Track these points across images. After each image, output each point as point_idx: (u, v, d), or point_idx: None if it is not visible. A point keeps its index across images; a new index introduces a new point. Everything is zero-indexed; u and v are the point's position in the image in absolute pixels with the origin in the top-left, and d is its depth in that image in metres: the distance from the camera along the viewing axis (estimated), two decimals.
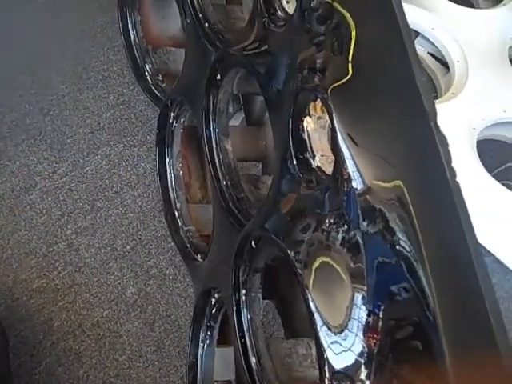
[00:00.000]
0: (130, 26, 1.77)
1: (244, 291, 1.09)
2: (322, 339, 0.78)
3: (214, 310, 1.39)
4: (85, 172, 1.67)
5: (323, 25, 0.88)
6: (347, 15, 0.88)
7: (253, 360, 1.08)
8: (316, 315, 0.83)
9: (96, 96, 1.78)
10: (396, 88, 0.83)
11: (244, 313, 1.09)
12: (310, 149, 0.93)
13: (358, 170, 0.79)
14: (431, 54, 2.10)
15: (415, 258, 0.71)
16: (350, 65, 0.86)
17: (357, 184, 0.79)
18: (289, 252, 0.89)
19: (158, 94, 1.75)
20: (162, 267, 1.59)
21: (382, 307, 0.77)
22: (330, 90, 0.84)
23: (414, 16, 2.03)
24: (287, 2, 1.07)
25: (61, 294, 1.51)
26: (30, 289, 1.50)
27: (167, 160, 1.61)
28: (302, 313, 1.23)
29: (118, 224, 1.62)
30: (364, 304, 0.78)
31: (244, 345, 1.10)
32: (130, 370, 1.46)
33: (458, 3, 2.12)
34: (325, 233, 0.85)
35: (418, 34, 2.08)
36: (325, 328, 0.79)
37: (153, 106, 1.77)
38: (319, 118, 0.91)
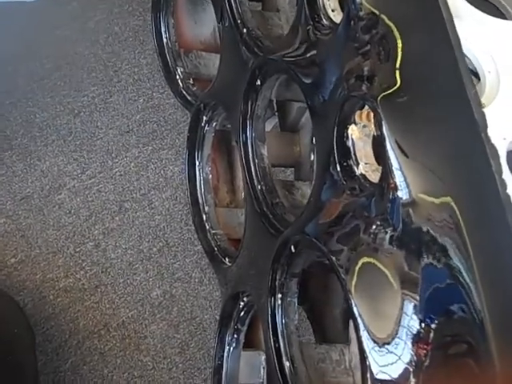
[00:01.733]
0: (162, 29, 1.78)
1: (280, 295, 1.09)
2: (365, 346, 0.78)
3: (241, 314, 1.39)
4: (113, 173, 1.68)
5: (369, 34, 0.89)
6: (393, 27, 0.88)
7: (286, 364, 1.08)
8: (360, 321, 0.83)
9: (126, 98, 1.80)
10: (446, 100, 0.83)
11: (279, 317, 1.10)
12: (354, 156, 0.93)
13: (405, 180, 0.79)
14: None
15: (468, 278, 0.70)
16: (397, 73, 0.86)
17: (403, 194, 0.79)
18: (331, 256, 0.88)
19: (189, 98, 1.75)
20: (187, 270, 1.60)
21: (436, 320, 0.76)
22: (379, 98, 0.84)
23: None
24: (332, 11, 1.07)
25: (87, 293, 1.52)
26: (56, 288, 1.51)
27: (197, 163, 1.62)
28: (334, 318, 1.23)
29: (145, 226, 1.63)
30: (415, 313, 0.77)
31: (278, 349, 1.10)
32: (153, 371, 1.47)
33: (487, 13, 2.11)
34: (371, 235, 0.85)
35: None
36: (368, 334, 0.79)
37: (182, 110, 1.78)
38: (364, 126, 0.91)
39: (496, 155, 0.73)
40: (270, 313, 1.09)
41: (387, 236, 0.80)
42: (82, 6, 1.90)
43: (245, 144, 1.29)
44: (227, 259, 1.50)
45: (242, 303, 1.36)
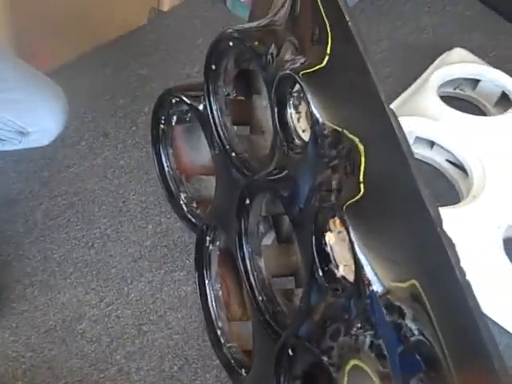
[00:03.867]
0: (163, 158, 1.91)
1: None
2: None
3: None
4: (130, 299, 1.77)
5: (335, 149, 1.00)
6: (356, 140, 1.00)
7: None
8: None
9: (136, 227, 1.91)
10: (404, 201, 0.94)
11: None
12: (333, 261, 1.03)
13: (376, 275, 0.88)
14: (449, 161, 2.22)
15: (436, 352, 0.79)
16: (361, 185, 0.98)
17: (377, 287, 0.88)
18: (322, 357, 0.97)
19: (194, 221, 1.86)
20: None
21: None
22: (344, 206, 0.95)
23: (425, 127, 2.16)
24: (303, 131, 1.20)
25: None
26: None
27: (206, 281, 1.71)
28: None
29: (164, 346, 1.70)
30: None
31: None
32: None
33: (468, 111, 2.25)
34: (353, 337, 0.94)
35: (433, 143, 2.21)
36: None
37: (189, 232, 1.88)
38: (339, 232, 1.02)
39: (452, 246, 0.82)
40: None
41: (369, 334, 0.89)
42: (89, 145, 2.06)
43: (243, 259, 1.39)
44: (243, 370, 1.57)
45: None
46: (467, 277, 0.85)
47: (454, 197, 2.09)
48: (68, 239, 1.86)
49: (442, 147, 2.19)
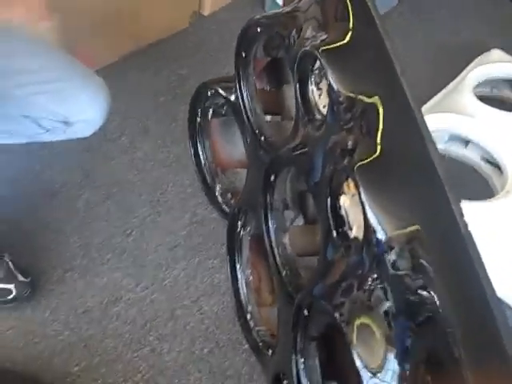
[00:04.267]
0: (200, 151, 1.98)
1: (302, 360, 1.20)
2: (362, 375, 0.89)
3: None
4: (164, 284, 1.83)
5: (350, 112, 1.05)
6: (376, 100, 1.04)
7: None
8: (360, 370, 0.94)
9: (173, 217, 1.98)
10: (414, 163, 0.98)
11: (303, 379, 1.19)
12: (347, 223, 1.07)
13: (381, 225, 0.92)
14: (484, 159, 2.23)
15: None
16: (378, 146, 1.02)
17: (381, 235, 0.92)
18: (334, 313, 1.00)
19: (228, 211, 1.92)
20: (237, 367, 1.70)
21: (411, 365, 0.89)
22: (356, 166, 0.99)
23: (460, 124, 2.18)
24: (324, 107, 1.24)
25: None
26: None
27: (237, 267, 1.76)
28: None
29: (196, 329, 1.76)
30: (395, 358, 0.90)
31: None
32: None
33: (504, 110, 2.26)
34: (366, 292, 0.97)
35: (468, 141, 2.22)
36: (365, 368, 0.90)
37: (224, 223, 1.93)
38: (353, 195, 1.06)
39: (456, 201, 0.86)
40: (295, 374, 1.20)
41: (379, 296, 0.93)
42: (130, 140, 2.14)
43: (268, 234, 1.43)
44: (270, 351, 1.61)
45: None
46: (469, 228, 0.88)
47: (488, 193, 2.10)
48: (107, 227, 1.93)
49: (477, 144, 2.20)
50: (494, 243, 1.84)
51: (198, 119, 1.95)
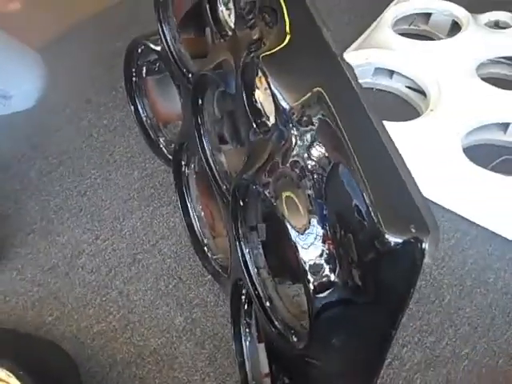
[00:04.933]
0: (140, 109, 2.07)
1: (247, 250, 1.30)
2: (293, 237, 1.00)
3: (246, 307, 1.57)
4: (123, 234, 1.93)
5: (252, 12, 1.17)
6: None
7: (267, 304, 1.28)
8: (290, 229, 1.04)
9: (123, 173, 2.08)
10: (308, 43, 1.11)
11: (251, 264, 1.30)
12: (264, 114, 1.19)
13: (284, 99, 1.04)
14: (408, 87, 2.37)
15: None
16: (287, 35, 1.13)
17: (285, 104, 1.04)
18: (264, 192, 1.11)
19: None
20: (203, 297, 1.80)
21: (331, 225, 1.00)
22: (262, 56, 1.11)
23: (383, 57, 2.32)
24: (229, 16, 1.36)
25: (119, 332, 1.72)
26: (91, 333, 1.71)
27: (189, 205, 1.86)
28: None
29: (158, 269, 1.85)
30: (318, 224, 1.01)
31: (258, 295, 1.29)
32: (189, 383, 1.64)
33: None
34: (288, 168, 1.08)
35: (392, 72, 2.37)
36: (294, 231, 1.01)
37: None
38: (265, 88, 1.17)
39: (351, 68, 0.98)
40: (242, 261, 1.30)
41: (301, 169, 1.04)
42: (74, 111, 2.24)
43: (204, 153, 1.54)
44: (227, 274, 1.72)
45: (243, 296, 1.55)
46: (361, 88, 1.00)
47: (415, 116, 2.24)
48: (62, 190, 2.03)
49: (400, 74, 2.34)
50: (421, 158, 1.98)
51: (134, 79, 2.05)
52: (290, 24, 1.13)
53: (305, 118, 1.02)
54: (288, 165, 1.07)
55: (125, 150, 2.15)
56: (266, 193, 1.11)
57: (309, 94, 1.02)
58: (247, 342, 1.59)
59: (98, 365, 1.66)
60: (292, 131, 1.04)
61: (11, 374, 1.43)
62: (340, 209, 0.98)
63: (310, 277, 1.00)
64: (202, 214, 1.86)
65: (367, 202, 0.87)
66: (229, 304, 1.76)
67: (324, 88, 1.00)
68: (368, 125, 0.95)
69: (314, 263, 1.01)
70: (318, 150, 1.01)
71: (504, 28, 2.47)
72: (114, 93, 2.30)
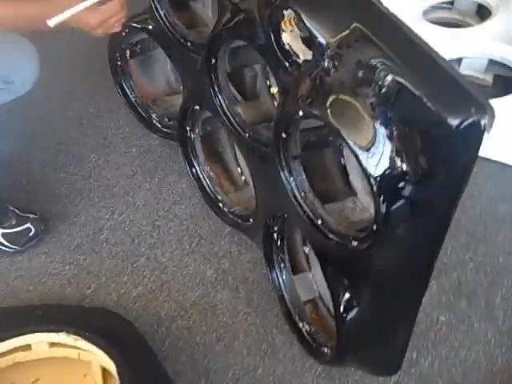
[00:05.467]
0: (127, 91, 2.18)
1: (292, 178, 1.43)
2: (359, 154, 1.13)
3: (278, 243, 1.70)
4: (137, 206, 2.03)
5: None
6: None
7: (319, 222, 1.40)
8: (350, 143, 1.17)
9: (122, 153, 2.18)
10: None
11: (297, 192, 1.43)
12: (293, 53, 1.32)
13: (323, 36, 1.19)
14: None
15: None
16: None
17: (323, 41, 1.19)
18: (315, 112, 1.23)
19: (170, 131, 2.13)
20: (226, 248, 1.92)
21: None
22: None
23: None
24: None
25: (157, 292, 1.81)
26: (131, 297, 1.80)
27: (197, 168, 1.98)
28: (336, 181, 1.55)
29: (178, 231, 1.96)
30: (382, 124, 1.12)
31: (308, 216, 1.42)
32: (234, 324, 1.75)
33: None
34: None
35: None
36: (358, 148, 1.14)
37: (169, 144, 2.15)
38: (291, 30, 1.31)
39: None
40: (288, 189, 1.43)
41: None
42: (59, 103, 2.31)
43: (221, 106, 1.65)
44: (251, 220, 1.84)
45: (275, 234, 1.67)
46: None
47: None
48: (67, 177, 2.11)
49: None
50: None
51: (118, 63, 2.15)
52: None
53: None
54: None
55: (117, 132, 2.24)
56: (317, 112, 1.23)
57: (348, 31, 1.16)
58: (283, 276, 1.72)
59: (146, 324, 1.75)
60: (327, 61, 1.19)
61: (78, 338, 1.52)
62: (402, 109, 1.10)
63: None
64: (211, 173, 1.98)
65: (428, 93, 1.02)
66: (253, 251, 1.89)
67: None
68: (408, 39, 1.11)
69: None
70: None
71: None
72: (99, 82, 2.37)
